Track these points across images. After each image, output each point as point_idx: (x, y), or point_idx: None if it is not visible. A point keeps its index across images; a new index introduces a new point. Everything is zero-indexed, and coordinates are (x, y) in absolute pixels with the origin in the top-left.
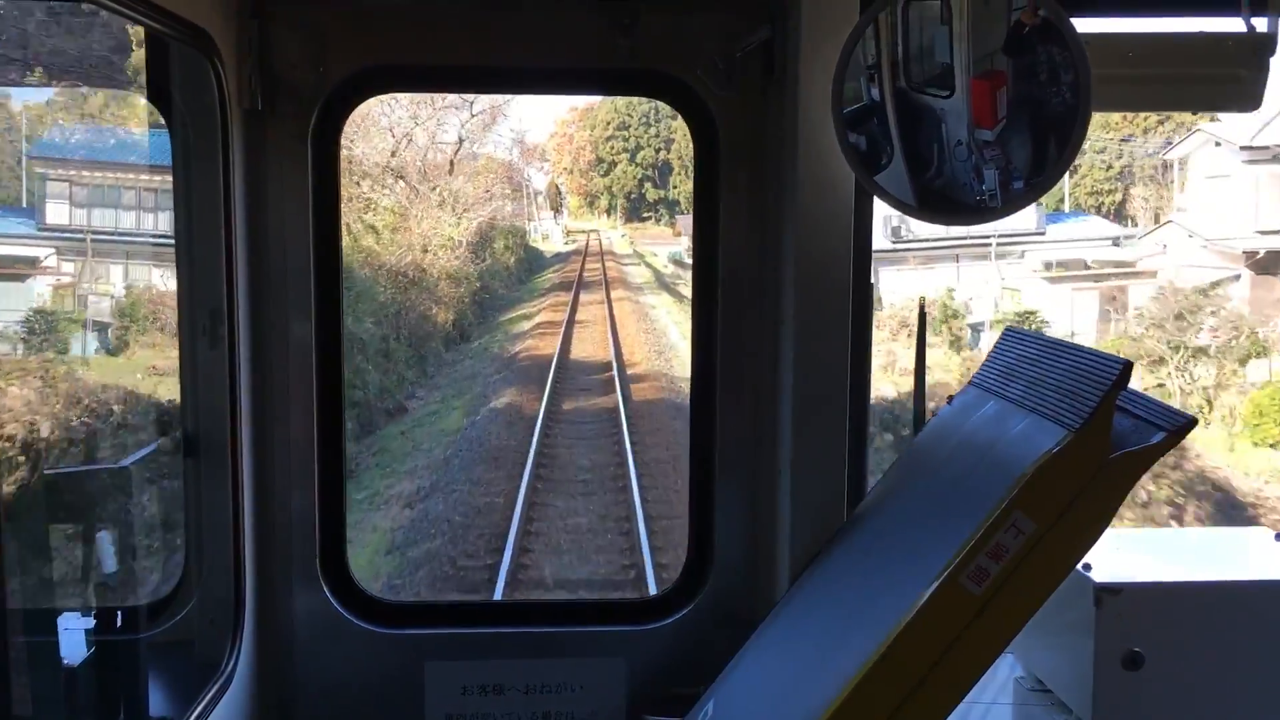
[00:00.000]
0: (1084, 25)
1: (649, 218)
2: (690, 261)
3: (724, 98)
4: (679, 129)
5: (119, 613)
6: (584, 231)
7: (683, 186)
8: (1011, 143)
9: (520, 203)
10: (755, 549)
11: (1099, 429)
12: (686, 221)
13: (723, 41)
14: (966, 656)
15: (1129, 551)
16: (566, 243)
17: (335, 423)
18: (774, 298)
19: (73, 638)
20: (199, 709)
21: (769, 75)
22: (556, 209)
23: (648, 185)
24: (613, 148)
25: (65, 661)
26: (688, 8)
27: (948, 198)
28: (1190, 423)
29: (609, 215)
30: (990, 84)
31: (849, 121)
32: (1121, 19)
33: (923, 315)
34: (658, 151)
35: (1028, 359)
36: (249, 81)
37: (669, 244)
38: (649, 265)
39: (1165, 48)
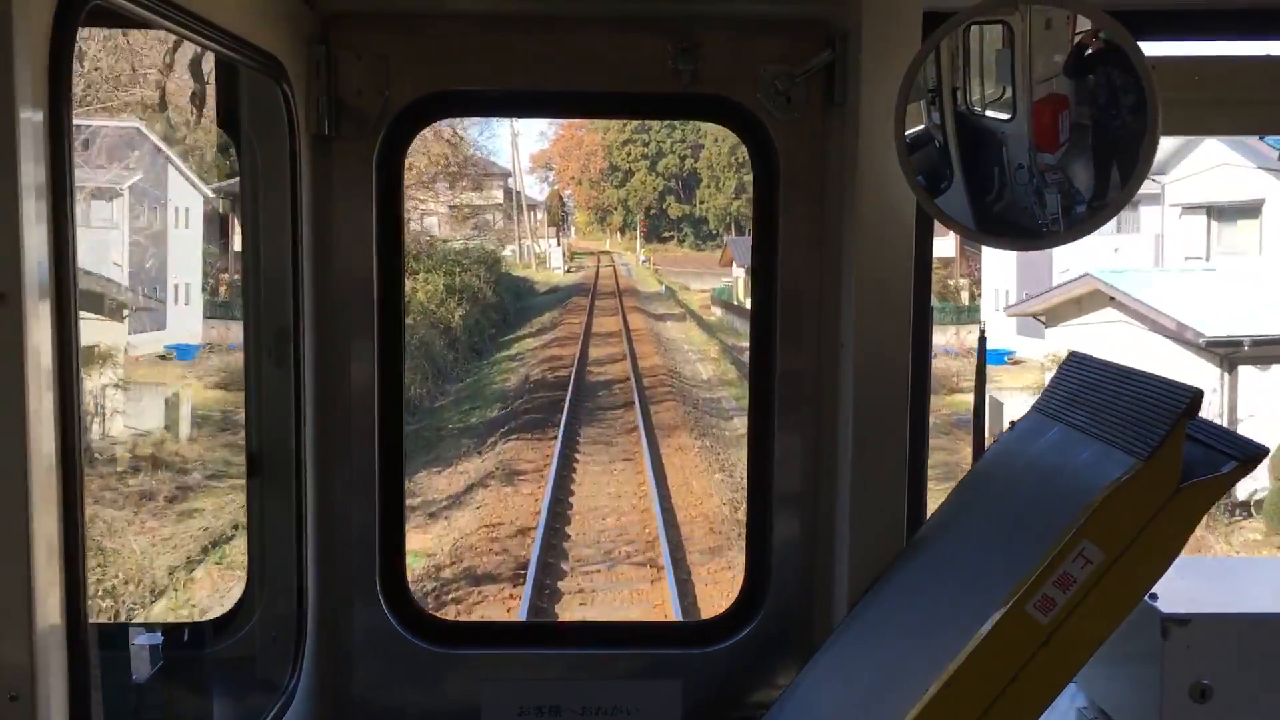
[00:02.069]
0: (1151, 49)
1: (670, 237)
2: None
3: (784, 121)
4: (708, 133)
5: (185, 628)
6: (592, 253)
7: (711, 201)
8: (1074, 166)
9: (497, 211)
10: (813, 574)
11: (1169, 458)
12: (742, 245)
13: (783, 65)
14: (1032, 687)
15: (1199, 580)
16: (569, 269)
17: (396, 442)
18: (834, 321)
19: (140, 652)
20: None
21: (830, 99)
22: (558, 225)
23: (670, 199)
24: (630, 153)
25: (134, 676)
26: (748, 32)
27: (1008, 221)
28: (1262, 452)
29: (622, 234)
30: (1052, 107)
31: (909, 145)
32: (1190, 43)
33: (983, 339)
34: (683, 159)
35: (1090, 385)
36: (317, 106)
37: (705, 271)
38: (696, 318)
39: (1234, 71)
